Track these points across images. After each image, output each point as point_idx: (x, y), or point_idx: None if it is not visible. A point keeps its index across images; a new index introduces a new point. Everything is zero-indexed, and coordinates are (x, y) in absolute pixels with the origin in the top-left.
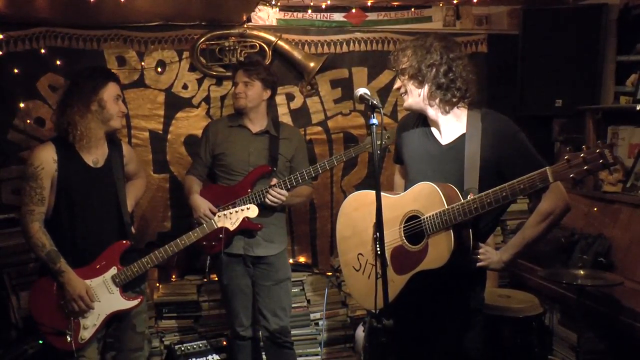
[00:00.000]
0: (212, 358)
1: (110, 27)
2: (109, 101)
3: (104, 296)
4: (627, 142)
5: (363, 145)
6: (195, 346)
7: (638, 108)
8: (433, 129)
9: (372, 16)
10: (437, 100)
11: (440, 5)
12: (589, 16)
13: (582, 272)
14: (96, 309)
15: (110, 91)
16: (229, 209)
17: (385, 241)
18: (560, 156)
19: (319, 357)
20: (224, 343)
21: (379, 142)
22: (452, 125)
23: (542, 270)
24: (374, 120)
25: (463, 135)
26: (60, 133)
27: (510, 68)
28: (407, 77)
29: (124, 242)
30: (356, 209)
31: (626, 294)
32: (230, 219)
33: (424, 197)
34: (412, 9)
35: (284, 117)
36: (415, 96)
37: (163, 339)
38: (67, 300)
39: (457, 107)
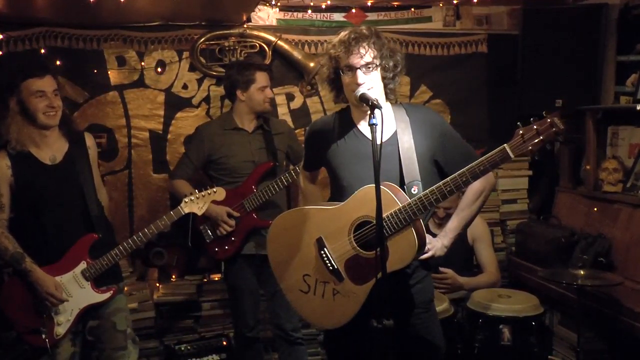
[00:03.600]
0: (212, 358)
1: (110, 27)
2: (29, 100)
3: (76, 291)
4: (627, 142)
5: None
6: (195, 346)
7: (638, 108)
8: (362, 129)
9: (372, 16)
10: (391, 89)
11: (440, 5)
12: (589, 16)
13: (582, 272)
14: (70, 305)
15: (28, 89)
16: (195, 193)
17: (334, 255)
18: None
19: (319, 357)
20: (224, 343)
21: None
22: (385, 121)
23: (542, 270)
24: (374, 120)
25: (395, 132)
26: (3, 140)
27: (510, 68)
28: (377, 70)
29: (92, 235)
30: (287, 231)
31: (626, 294)
32: (198, 203)
33: (372, 200)
34: (412, 9)
35: (284, 117)
36: (381, 88)
37: (163, 339)
38: (38, 298)
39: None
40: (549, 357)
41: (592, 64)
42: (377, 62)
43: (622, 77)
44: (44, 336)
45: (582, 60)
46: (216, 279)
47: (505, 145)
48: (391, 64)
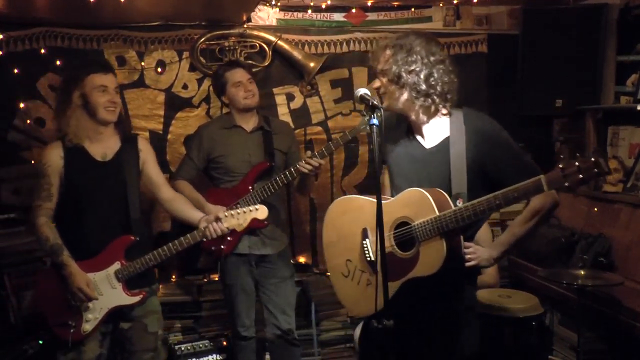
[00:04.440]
0: (213, 358)
1: (110, 27)
2: (92, 94)
3: (107, 290)
4: (627, 142)
5: (357, 127)
6: (195, 346)
7: (638, 108)
8: (415, 132)
9: (372, 16)
10: (417, 107)
11: (440, 5)
12: (589, 16)
13: (582, 272)
14: (99, 303)
15: (92, 83)
16: (236, 208)
17: (373, 248)
18: (559, 158)
19: (320, 357)
20: (224, 343)
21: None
22: (434, 127)
23: (542, 270)
24: (374, 121)
25: (447, 138)
26: (62, 132)
27: (510, 68)
28: (386, 79)
29: (129, 237)
30: (342, 215)
31: (626, 294)
32: (238, 219)
33: (414, 204)
34: (412, 9)
35: (284, 117)
36: (394, 99)
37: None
38: (69, 292)
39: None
40: (549, 357)
41: (592, 64)
42: (388, 74)
43: (622, 77)
44: (72, 330)
45: (582, 60)
46: (216, 279)
47: (542, 176)
48: (410, 80)
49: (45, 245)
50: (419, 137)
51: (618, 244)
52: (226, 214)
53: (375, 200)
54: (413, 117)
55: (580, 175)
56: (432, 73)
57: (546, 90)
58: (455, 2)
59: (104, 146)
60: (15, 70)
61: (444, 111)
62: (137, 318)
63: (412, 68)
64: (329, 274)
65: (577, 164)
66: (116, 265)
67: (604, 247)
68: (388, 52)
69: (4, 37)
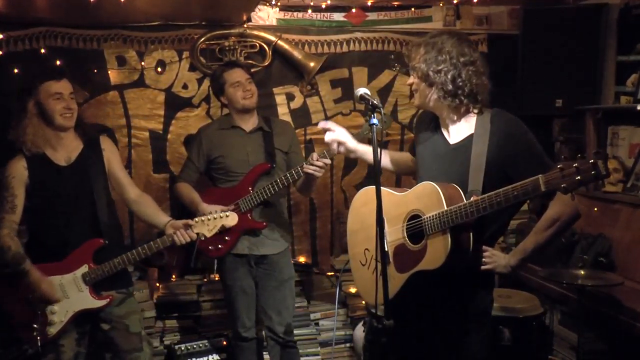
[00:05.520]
0: (212, 358)
1: (110, 27)
2: (47, 102)
3: (74, 294)
4: (627, 142)
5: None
6: (195, 346)
7: (638, 108)
8: (443, 128)
9: (372, 16)
10: (446, 106)
11: (441, 5)
12: (589, 16)
13: (582, 272)
14: (65, 305)
15: (46, 91)
16: (207, 215)
17: (389, 239)
18: (560, 157)
19: (319, 357)
20: (224, 343)
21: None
22: (461, 125)
23: (542, 270)
24: (374, 120)
25: (471, 136)
26: (19, 145)
27: (510, 68)
28: (417, 76)
29: (99, 240)
30: (365, 204)
31: (626, 294)
32: (208, 225)
33: (425, 197)
34: (412, 9)
35: (284, 116)
36: (424, 97)
37: (163, 339)
38: (34, 297)
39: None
40: (549, 357)
41: (592, 64)
42: (418, 71)
43: (622, 77)
44: (35, 333)
45: (582, 60)
46: (216, 279)
47: (540, 175)
48: (438, 80)
49: (7, 254)
50: (445, 133)
51: (618, 244)
52: (196, 220)
53: (394, 192)
54: (444, 115)
55: (578, 177)
56: (460, 74)
57: (546, 90)
58: (455, 2)
59: (66, 150)
60: (15, 70)
61: (475, 110)
62: (117, 319)
63: (440, 67)
64: (349, 260)
65: (575, 165)
66: (84, 269)
67: (604, 247)
68: (421, 49)
69: (4, 37)
